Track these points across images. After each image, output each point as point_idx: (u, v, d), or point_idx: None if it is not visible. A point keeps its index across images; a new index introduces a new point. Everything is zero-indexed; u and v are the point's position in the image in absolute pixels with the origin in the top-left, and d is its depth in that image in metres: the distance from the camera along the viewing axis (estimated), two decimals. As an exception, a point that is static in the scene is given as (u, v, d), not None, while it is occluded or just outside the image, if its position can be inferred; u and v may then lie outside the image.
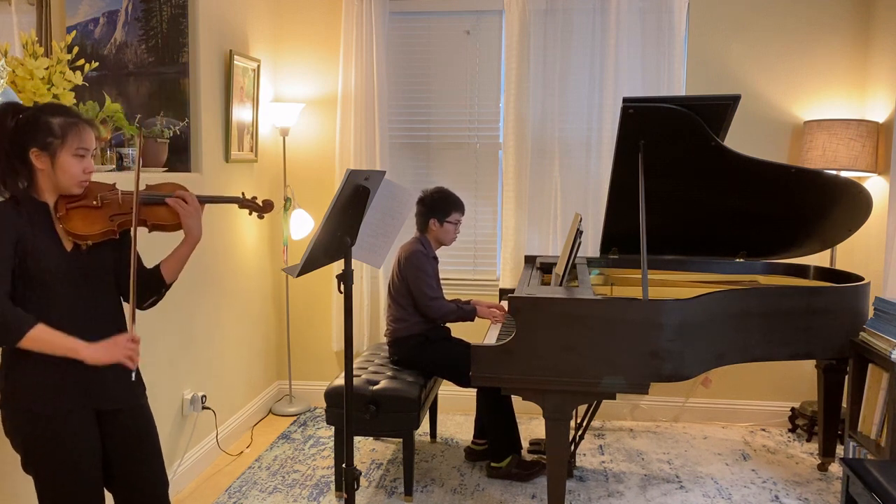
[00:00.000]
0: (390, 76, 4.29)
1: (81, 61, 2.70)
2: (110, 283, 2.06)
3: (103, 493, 2.02)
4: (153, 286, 2.14)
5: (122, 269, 2.08)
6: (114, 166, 2.90)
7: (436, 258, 3.56)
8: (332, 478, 3.44)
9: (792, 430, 4.09)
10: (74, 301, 1.93)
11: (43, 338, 1.83)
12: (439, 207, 3.49)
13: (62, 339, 1.86)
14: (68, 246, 1.96)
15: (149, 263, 2.16)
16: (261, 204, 2.30)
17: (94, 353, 1.89)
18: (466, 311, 3.44)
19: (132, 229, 2.00)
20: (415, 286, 3.39)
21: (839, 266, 3.93)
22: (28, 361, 1.89)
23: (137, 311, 2.10)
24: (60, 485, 1.92)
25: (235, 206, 2.32)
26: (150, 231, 2.10)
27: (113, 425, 2.03)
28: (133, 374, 1.99)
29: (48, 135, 1.89)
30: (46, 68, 2.47)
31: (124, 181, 2.16)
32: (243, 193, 2.33)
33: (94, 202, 1.99)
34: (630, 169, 3.00)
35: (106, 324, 2.02)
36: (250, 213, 2.32)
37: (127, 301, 2.10)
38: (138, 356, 1.96)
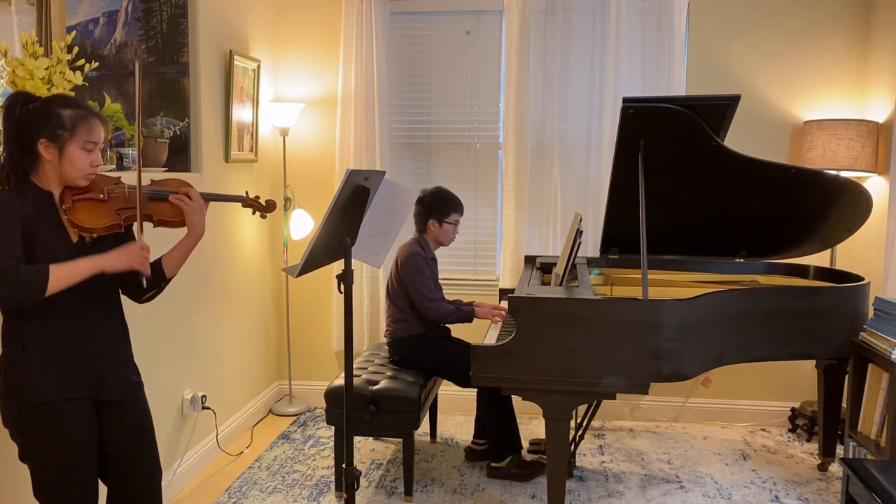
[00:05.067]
0: (390, 76, 4.29)
1: (81, 61, 2.70)
2: (112, 277, 2.06)
3: (97, 483, 2.03)
4: (153, 280, 2.14)
5: None
6: (114, 166, 2.90)
7: (434, 259, 3.56)
8: (332, 478, 3.44)
9: (792, 430, 4.09)
10: (74, 293, 1.93)
11: (63, 275, 1.85)
12: (438, 208, 3.48)
13: (79, 266, 1.89)
14: (74, 238, 1.97)
15: (150, 257, 2.16)
16: (264, 204, 2.36)
17: (114, 259, 1.94)
18: (465, 313, 3.43)
19: (138, 224, 2.01)
20: (413, 289, 3.38)
21: (839, 266, 3.93)
22: (28, 353, 1.90)
23: (136, 304, 2.12)
24: (57, 474, 1.93)
25: (237, 205, 2.35)
26: (154, 226, 2.11)
27: (110, 417, 2.04)
28: (144, 281, 2.04)
29: (58, 126, 1.90)
30: (46, 68, 2.46)
31: (130, 179, 2.17)
32: (247, 193, 2.39)
33: (101, 195, 1.99)
34: (630, 169, 3.00)
35: (105, 317, 2.03)
36: (253, 213, 2.38)
37: (127, 296, 2.13)
38: (149, 263, 2.02)
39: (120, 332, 2.10)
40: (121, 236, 2.08)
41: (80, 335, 1.96)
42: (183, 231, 2.15)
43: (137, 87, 2.07)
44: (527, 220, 4.19)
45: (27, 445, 1.94)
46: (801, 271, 3.68)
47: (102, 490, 2.08)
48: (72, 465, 1.94)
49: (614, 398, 2.73)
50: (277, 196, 4.34)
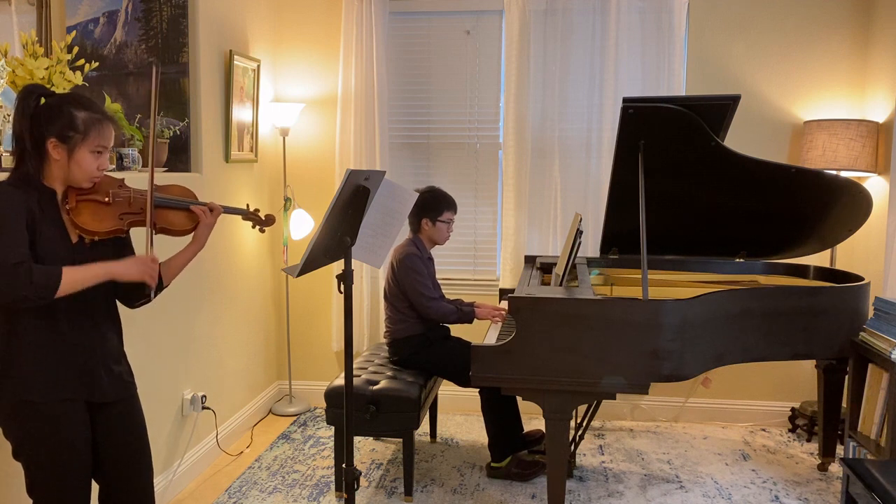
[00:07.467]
0: (390, 76, 4.29)
1: (81, 61, 2.70)
2: (111, 281, 2.05)
3: (90, 483, 2.03)
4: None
5: None
6: (113, 166, 2.90)
7: (431, 258, 3.56)
8: (332, 478, 3.44)
9: (792, 430, 4.09)
10: (71, 294, 1.91)
11: (75, 278, 1.85)
12: (431, 207, 3.48)
13: (91, 270, 1.89)
14: (73, 238, 1.96)
15: None
16: (263, 218, 2.38)
17: (125, 268, 1.94)
18: (465, 313, 3.43)
19: (147, 234, 2.00)
20: (411, 289, 3.38)
21: (839, 266, 3.93)
22: (23, 353, 1.90)
23: (130, 310, 2.11)
24: (50, 473, 1.93)
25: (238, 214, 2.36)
26: (156, 233, 2.10)
27: (103, 417, 2.04)
28: (152, 293, 2.03)
29: (70, 128, 1.88)
30: (46, 68, 2.47)
31: (133, 181, 2.16)
32: (248, 205, 2.41)
33: (105, 198, 1.98)
34: (630, 169, 3.00)
35: (101, 318, 2.03)
36: (253, 226, 2.39)
37: (122, 302, 2.12)
38: (157, 275, 2.01)
39: (115, 332, 2.09)
40: (119, 240, 2.07)
41: (77, 336, 1.95)
42: (178, 240, 2.14)
43: (154, 91, 2.05)
44: (527, 220, 4.19)
45: (21, 444, 1.93)
46: (801, 271, 3.68)
47: (94, 488, 2.08)
48: (65, 465, 1.94)
49: (614, 398, 2.74)
50: (278, 196, 4.34)
